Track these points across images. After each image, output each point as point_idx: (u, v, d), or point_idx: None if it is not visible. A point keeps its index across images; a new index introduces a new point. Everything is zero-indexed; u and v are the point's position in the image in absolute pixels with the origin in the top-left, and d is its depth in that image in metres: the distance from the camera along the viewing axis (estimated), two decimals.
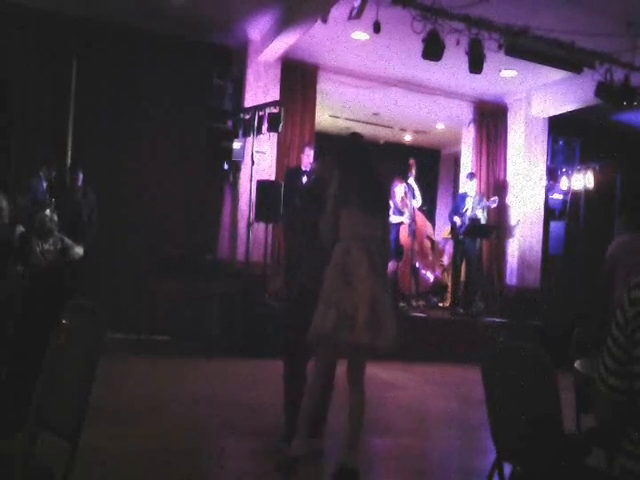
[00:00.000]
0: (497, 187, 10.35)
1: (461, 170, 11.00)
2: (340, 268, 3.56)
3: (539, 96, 9.93)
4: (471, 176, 9.44)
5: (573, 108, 9.60)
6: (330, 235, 3.68)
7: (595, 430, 2.29)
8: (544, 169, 10.32)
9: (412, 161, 8.87)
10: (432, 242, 10.27)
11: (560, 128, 10.33)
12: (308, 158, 8.12)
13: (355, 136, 4.04)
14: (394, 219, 8.52)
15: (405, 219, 8.91)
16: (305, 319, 3.79)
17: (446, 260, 10.48)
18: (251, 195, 7.93)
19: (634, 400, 1.62)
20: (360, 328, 3.45)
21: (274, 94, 8.60)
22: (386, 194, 3.97)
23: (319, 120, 9.97)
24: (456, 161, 12.34)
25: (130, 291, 7.66)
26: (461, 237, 9.03)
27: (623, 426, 1.65)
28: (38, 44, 7.96)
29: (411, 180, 8.85)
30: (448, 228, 9.98)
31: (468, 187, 9.29)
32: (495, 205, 9.47)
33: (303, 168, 8.15)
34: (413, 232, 8.89)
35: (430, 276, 10.03)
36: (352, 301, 3.48)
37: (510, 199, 10.26)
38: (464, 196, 9.30)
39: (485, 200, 9.34)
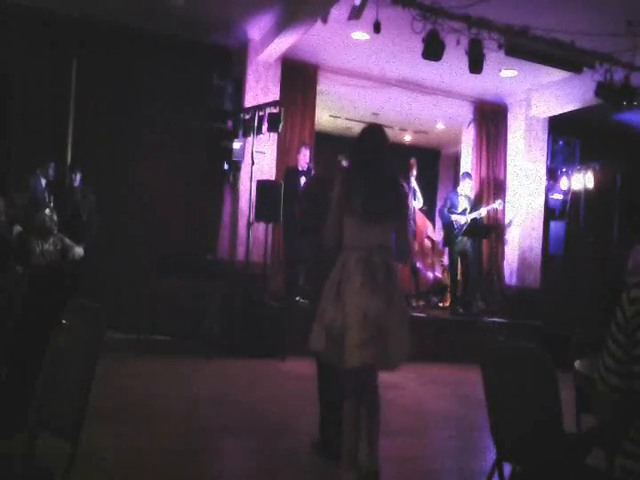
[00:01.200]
0: (497, 187, 10.35)
1: (461, 170, 11.01)
2: (335, 283, 3.27)
3: (539, 96, 9.93)
4: (468, 176, 9.43)
5: (573, 108, 9.60)
6: (332, 242, 3.38)
7: (595, 430, 2.29)
8: (544, 169, 10.32)
9: (413, 161, 8.85)
10: (432, 242, 10.27)
11: (560, 128, 10.33)
12: (304, 158, 8.13)
13: (371, 129, 3.55)
14: None
15: None
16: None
17: (446, 260, 10.47)
18: (251, 195, 7.93)
19: (634, 400, 1.62)
20: (348, 351, 3.14)
21: (274, 94, 8.60)
22: (402, 195, 3.44)
23: (319, 120, 9.97)
24: (456, 161, 12.34)
25: (130, 291, 7.66)
26: (460, 237, 9.00)
27: (623, 426, 1.65)
28: (38, 44, 7.96)
29: (412, 180, 8.84)
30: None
31: (463, 186, 9.28)
32: (502, 207, 9.51)
33: (300, 168, 8.16)
34: (413, 232, 8.88)
35: (430, 276, 10.03)
36: (342, 321, 3.18)
37: (510, 199, 10.26)
38: (456, 194, 9.27)
39: (484, 201, 9.35)
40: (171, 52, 8.57)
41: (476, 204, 9.35)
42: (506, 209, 10.20)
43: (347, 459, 3.32)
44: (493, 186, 10.35)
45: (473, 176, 10.07)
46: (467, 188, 9.26)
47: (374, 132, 3.52)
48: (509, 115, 10.50)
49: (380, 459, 3.45)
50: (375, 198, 3.31)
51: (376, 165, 3.39)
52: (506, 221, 10.20)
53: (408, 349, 3.32)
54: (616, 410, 1.68)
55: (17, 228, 6.36)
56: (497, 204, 9.41)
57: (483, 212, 9.16)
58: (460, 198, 9.13)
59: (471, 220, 8.97)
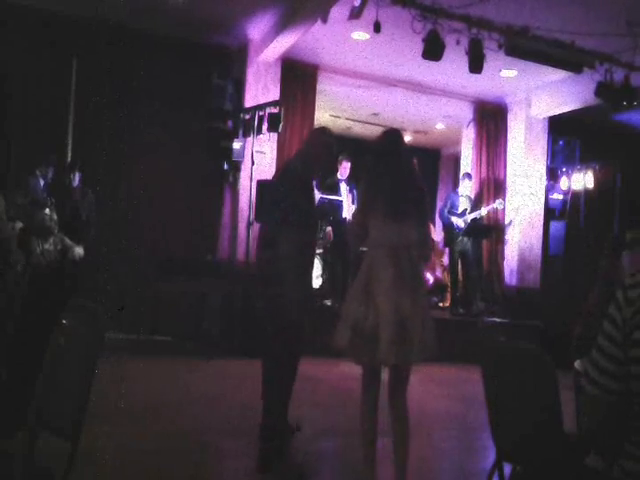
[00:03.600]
0: (497, 187, 10.35)
1: (461, 170, 11.00)
2: (363, 283, 3.34)
3: (539, 96, 9.93)
4: (469, 176, 9.41)
5: (573, 108, 9.60)
6: (358, 243, 3.54)
7: (590, 433, 2.27)
8: (544, 169, 10.32)
9: (414, 161, 8.80)
10: (433, 242, 10.26)
11: (560, 128, 10.33)
12: (345, 171, 8.21)
13: (390, 134, 3.64)
14: None
15: None
16: (265, 324, 3.78)
17: (446, 260, 10.48)
18: (251, 195, 7.93)
19: (632, 401, 1.61)
20: (383, 348, 3.18)
21: (274, 94, 8.60)
22: (423, 196, 3.56)
23: (319, 120, 9.97)
24: (456, 161, 12.34)
25: (130, 291, 7.65)
26: (460, 237, 9.00)
27: (620, 428, 1.64)
28: (38, 44, 7.96)
29: None
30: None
31: (463, 187, 9.27)
32: (502, 207, 9.51)
33: (339, 177, 8.24)
34: None
35: (430, 276, 10.03)
36: (374, 319, 3.22)
37: (510, 199, 10.26)
38: (457, 194, 9.27)
39: (484, 201, 9.35)
40: (171, 52, 8.56)
41: (476, 204, 9.35)
42: (506, 209, 10.20)
43: (366, 458, 3.33)
44: (493, 186, 10.34)
45: (473, 176, 10.07)
46: (467, 188, 9.26)
47: (391, 135, 3.63)
48: (509, 115, 10.49)
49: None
50: (398, 197, 3.40)
51: (396, 166, 3.49)
52: (506, 221, 10.20)
53: (432, 346, 3.33)
54: (611, 413, 1.66)
55: (18, 224, 6.35)
56: (497, 204, 9.40)
57: (483, 212, 9.16)
58: (461, 199, 9.13)
59: (471, 220, 8.97)
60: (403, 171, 3.52)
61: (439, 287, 10.15)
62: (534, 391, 2.37)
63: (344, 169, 8.27)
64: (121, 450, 3.85)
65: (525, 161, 10.18)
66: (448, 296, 9.94)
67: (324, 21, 6.92)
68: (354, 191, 8.21)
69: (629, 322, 1.61)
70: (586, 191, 10.29)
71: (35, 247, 6.19)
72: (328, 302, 8.04)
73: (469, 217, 8.96)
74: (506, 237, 10.22)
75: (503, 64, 8.33)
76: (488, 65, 7.27)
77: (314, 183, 4.35)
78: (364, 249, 3.61)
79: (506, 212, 10.20)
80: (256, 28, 8.32)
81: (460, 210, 9.03)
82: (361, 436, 3.36)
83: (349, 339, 3.26)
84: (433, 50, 6.86)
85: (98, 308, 2.20)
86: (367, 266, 3.37)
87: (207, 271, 7.73)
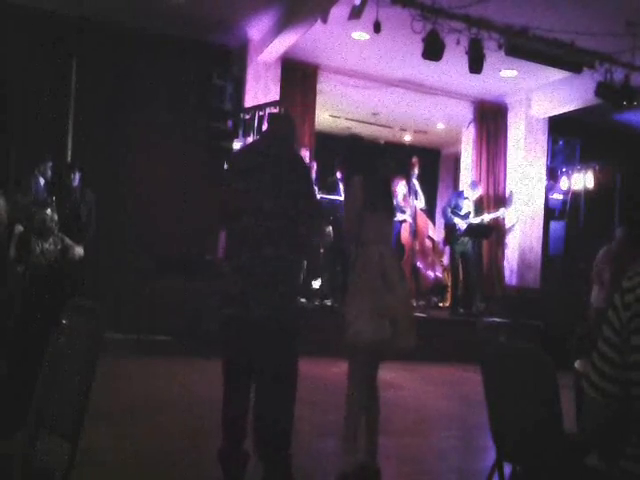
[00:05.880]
0: (497, 187, 10.34)
1: (461, 170, 11.00)
2: (380, 273, 3.49)
3: (539, 96, 9.94)
4: (474, 185, 9.30)
5: (573, 108, 9.61)
6: (354, 239, 3.63)
7: (589, 435, 2.28)
8: (544, 169, 10.32)
9: (415, 159, 8.77)
10: (433, 242, 10.26)
11: (560, 128, 10.34)
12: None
13: (358, 137, 3.98)
14: (398, 217, 8.45)
15: (407, 217, 8.88)
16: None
17: (446, 260, 10.47)
18: None
19: (631, 405, 1.60)
20: (403, 332, 3.47)
21: (274, 94, 8.60)
22: (393, 197, 3.97)
23: (319, 120, 9.97)
24: (456, 161, 12.35)
25: (130, 291, 7.65)
26: (461, 238, 9.00)
27: (619, 431, 1.64)
28: (38, 44, 7.96)
29: (414, 180, 8.80)
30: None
31: (471, 192, 9.18)
32: (505, 216, 9.52)
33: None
34: (414, 231, 8.87)
35: (431, 275, 10.02)
36: (395, 306, 3.49)
37: (510, 199, 10.26)
38: (461, 195, 9.24)
39: (485, 203, 9.34)
40: (171, 52, 8.57)
41: (479, 208, 9.29)
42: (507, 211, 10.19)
43: (349, 444, 3.48)
44: (493, 186, 10.34)
45: (473, 177, 10.08)
46: (474, 195, 9.16)
47: (362, 139, 3.95)
48: (509, 115, 10.50)
49: (379, 457, 3.52)
50: (388, 197, 3.74)
51: (380, 167, 3.74)
52: (507, 225, 10.20)
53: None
54: (611, 416, 1.66)
55: (18, 227, 6.35)
56: (501, 212, 9.41)
57: (486, 218, 9.14)
58: (465, 201, 9.10)
59: (474, 223, 8.96)
60: (386, 172, 3.85)
61: (439, 287, 10.14)
62: (534, 391, 2.36)
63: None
64: (121, 450, 3.85)
65: (525, 161, 10.18)
66: (448, 296, 9.93)
67: (324, 21, 6.92)
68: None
69: (626, 327, 1.59)
70: (586, 191, 10.29)
71: (35, 247, 6.19)
72: (328, 302, 8.03)
73: (472, 221, 8.93)
74: (506, 240, 10.22)
75: (503, 64, 8.33)
76: (488, 65, 7.27)
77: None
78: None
79: (507, 216, 10.19)
80: (256, 28, 8.32)
81: (463, 212, 8.99)
82: (352, 417, 3.48)
83: (391, 332, 3.41)
84: (433, 50, 6.86)
85: (97, 308, 2.20)
86: (379, 260, 3.49)
87: (207, 270, 7.72)
